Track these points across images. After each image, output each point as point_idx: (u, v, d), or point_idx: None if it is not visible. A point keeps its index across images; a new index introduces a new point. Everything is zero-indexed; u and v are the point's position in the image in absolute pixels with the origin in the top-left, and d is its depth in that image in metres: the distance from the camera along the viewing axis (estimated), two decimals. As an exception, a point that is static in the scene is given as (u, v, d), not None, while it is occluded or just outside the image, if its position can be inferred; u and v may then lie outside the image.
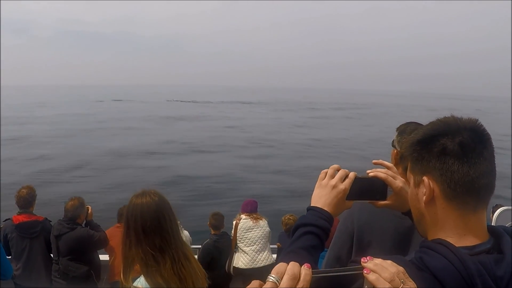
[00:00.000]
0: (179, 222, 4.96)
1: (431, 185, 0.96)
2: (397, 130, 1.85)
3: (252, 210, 5.15)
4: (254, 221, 5.04)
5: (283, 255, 1.17)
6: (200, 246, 5.19)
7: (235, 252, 5.07)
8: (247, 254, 4.95)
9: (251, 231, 4.99)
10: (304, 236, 1.17)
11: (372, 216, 1.67)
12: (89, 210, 4.41)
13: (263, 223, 5.09)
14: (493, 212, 4.03)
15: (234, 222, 5.16)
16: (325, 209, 1.21)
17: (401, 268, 0.81)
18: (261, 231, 5.02)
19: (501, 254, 0.91)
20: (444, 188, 0.94)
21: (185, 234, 4.94)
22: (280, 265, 0.78)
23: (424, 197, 0.97)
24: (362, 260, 0.82)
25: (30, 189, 4.24)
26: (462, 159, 0.92)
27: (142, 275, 1.85)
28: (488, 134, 0.96)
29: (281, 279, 0.76)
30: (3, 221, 4.30)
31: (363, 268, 0.81)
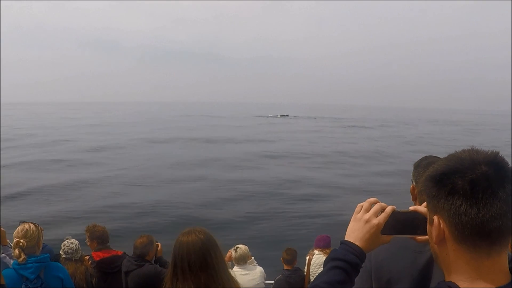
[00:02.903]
0: (253, 257, 4.88)
1: (441, 226, 0.92)
2: (413, 165, 1.80)
3: (325, 245, 5.02)
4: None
5: None
6: (272, 282, 5.11)
7: (308, 288, 4.84)
8: (321, 290, 4.69)
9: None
10: (331, 270, 1.15)
11: (389, 253, 1.63)
12: (159, 247, 4.44)
13: None
14: None
15: (307, 258, 5.06)
16: (357, 243, 1.18)
17: None
18: (335, 267, 4.75)
19: None
20: (452, 231, 0.90)
21: (259, 270, 4.83)
22: None
23: (434, 238, 0.95)
24: None
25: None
26: (471, 200, 0.86)
27: None
28: (509, 170, 0.88)
29: None
30: None
31: None
